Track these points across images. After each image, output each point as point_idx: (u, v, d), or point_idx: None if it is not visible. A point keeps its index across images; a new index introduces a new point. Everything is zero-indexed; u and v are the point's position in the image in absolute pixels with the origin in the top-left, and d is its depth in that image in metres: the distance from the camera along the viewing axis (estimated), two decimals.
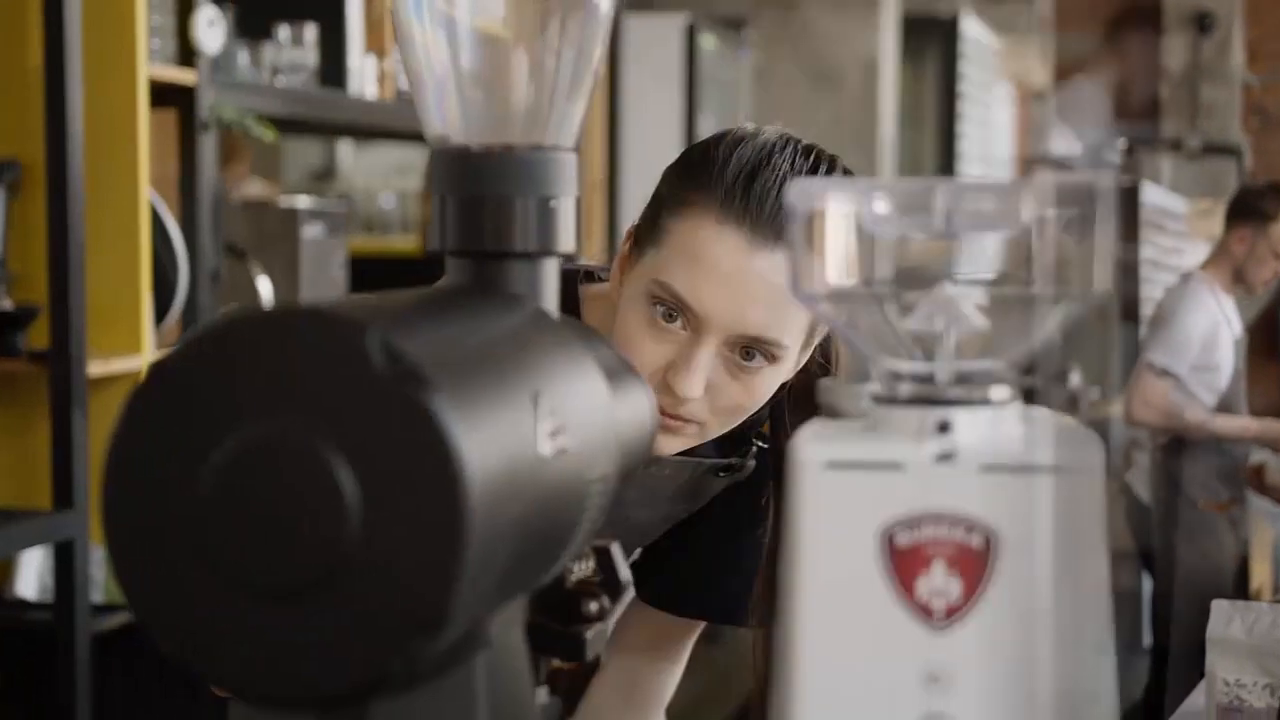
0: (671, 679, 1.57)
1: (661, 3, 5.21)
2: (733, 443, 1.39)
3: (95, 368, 2.49)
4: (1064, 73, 10.07)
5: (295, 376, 0.62)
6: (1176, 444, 4.39)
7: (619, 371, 0.88)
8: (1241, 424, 4.45)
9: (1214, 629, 1.85)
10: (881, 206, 0.71)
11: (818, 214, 0.71)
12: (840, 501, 0.70)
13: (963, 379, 0.72)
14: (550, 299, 0.83)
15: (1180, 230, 7.55)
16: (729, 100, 5.22)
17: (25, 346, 2.46)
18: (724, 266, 1.22)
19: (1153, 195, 7.14)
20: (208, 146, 2.75)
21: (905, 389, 0.72)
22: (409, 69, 0.85)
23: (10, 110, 2.52)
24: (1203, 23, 9.34)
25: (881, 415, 0.72)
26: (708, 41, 4.94)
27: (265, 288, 3.00)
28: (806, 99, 5.58)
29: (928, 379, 0.72)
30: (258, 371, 0.62)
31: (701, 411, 1.27)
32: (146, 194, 2.58)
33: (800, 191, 0.71)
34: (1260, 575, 4.68)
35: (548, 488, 0.70)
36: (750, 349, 1.24)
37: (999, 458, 0.68)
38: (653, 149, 4.45)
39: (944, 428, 0.70)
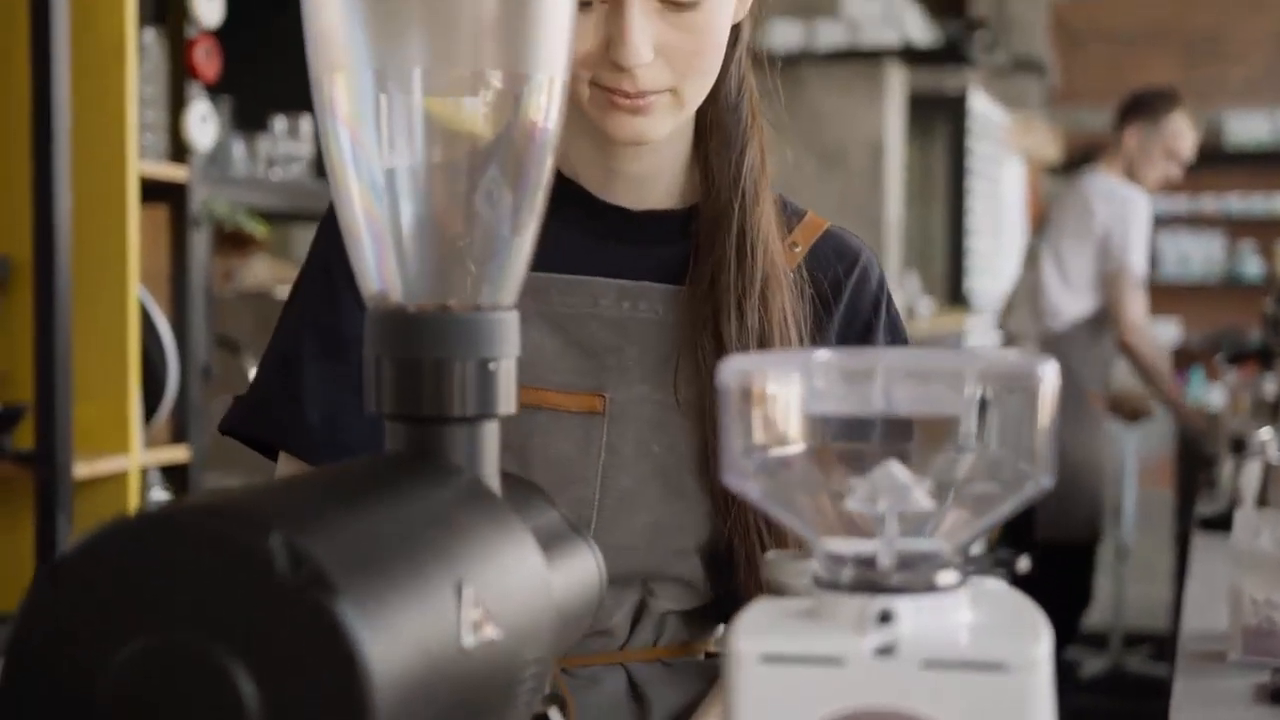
0: None
1: None
2: None
3: (82, 469, 2.47)
4: (1074, 146, 10.13)
5: (194, 580, 0.59)
6: (1075, 332, 4.45)
7: (561, 535, 0.85)
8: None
9: (1238, 540, 1.68)
10: (819, 388, 0.68)
11: (752, 392, 0.68)
12: (777, 696, 0.67)
13: (906, 562, 0.69)
14: (490, 464, 0.80)
15: (1001, 140, 7.70)
16: None
17: (10, 448, 2.43)
18: None
19: (978, 104, 7.19)
20: (200, 242, 2.74)
21: (847, 573, 0.69)
22: (344, 224, 0.82)
23: None
24: None
25: (823, 600, 0.69)
26: None
27: None
28: (814, 179, 5.57)
29: (870, 561, 0.69)
30: (156, 575, 0.60)
31: (663, 76, 1.17)
32: (136, 291, 2.57)
33: (732, 371, 0.68)
34: None
35: (472, 681, 0.67)
36: None
37: (942, 652, 0.65)
38: None
39: (885, 618, 0.67)
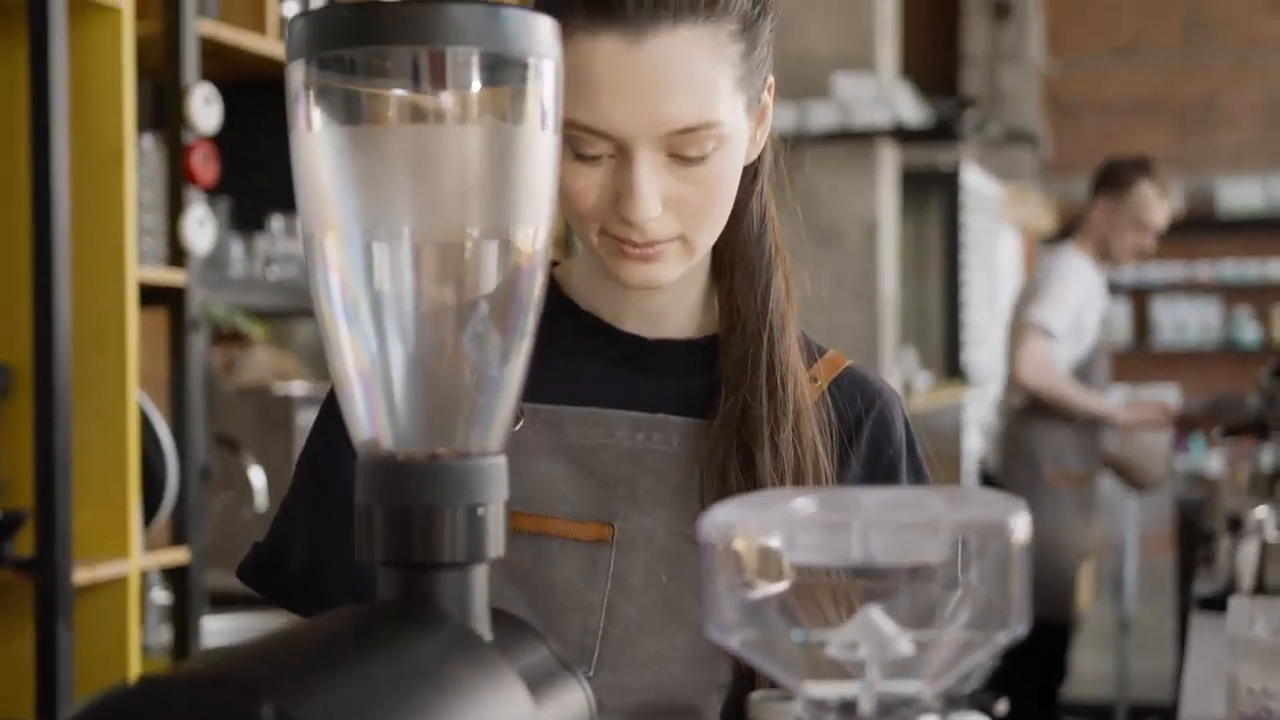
0: None
1: None
2: None
3: (82, 574, 2.48)
4: (1068, 216, 10.20)
5: None
6: (1030, 410, 4.40)
7: (551, 674, 0.87)
8: (1113, 405, 4.47)
9: (1234, 628, 1.68)
10: (799, 538, 0.70)
11: (734, 543, 0.70)
12: None
13: (887, 706, 0.70)
14: (479, 606, 0.82)
15: (995, 212, 7.73)
16: None
17: (10, 555, 2.44)
18: (611, 75, 1.11)
19: (971, 178, 7.25)
20: (198, 345, 2.76)
21: (830, 718, 0.70)
22: (334, 372, 0.84)
23: None
24: (1001, 9, 9.49)
25: None
26: None
27: (259, 479, 3.00)
28: (808, 259, 5.60)
29: (851, 706, 0.71)
30: None
31: (672, 226, 1.16)
32: (135, 396, 2.59)
33: (714, 523, 0.70)
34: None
35: None
36: (686, 141, 1.13)
37: None
38: None
39: None
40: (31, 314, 2.44)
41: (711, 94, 1.13)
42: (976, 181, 7.75)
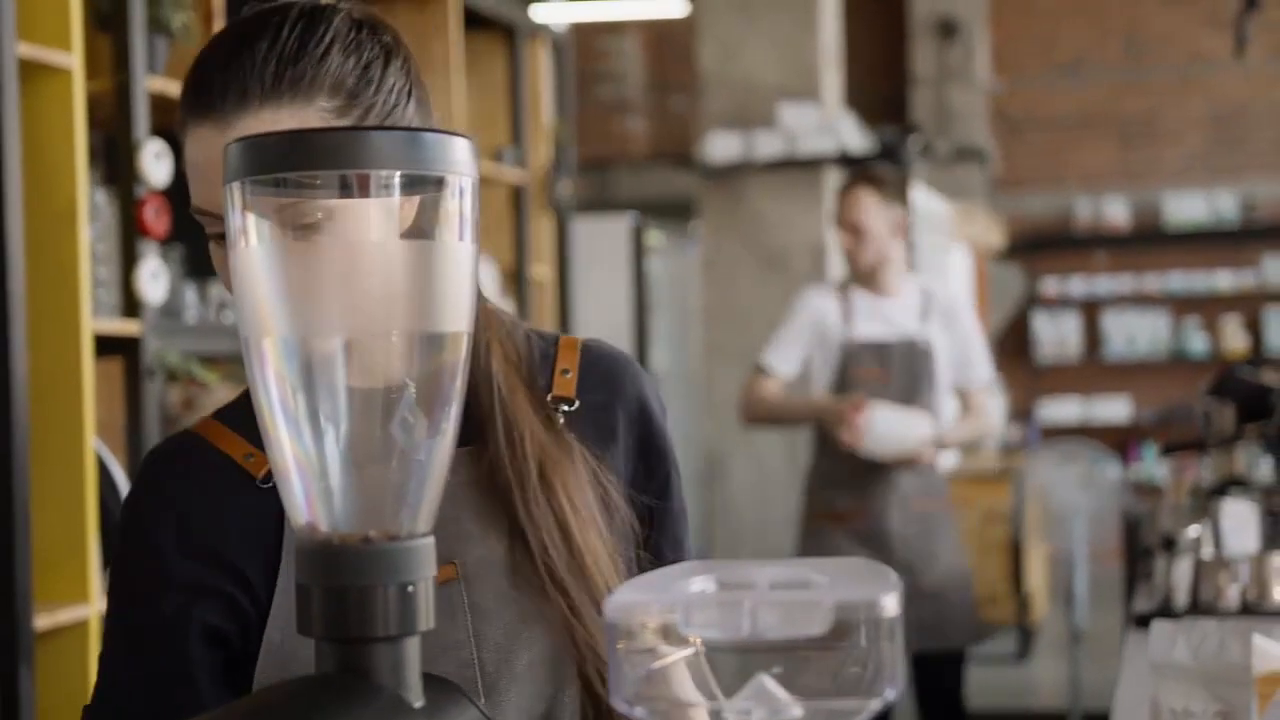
0: None
1: (610, 202, 5.35)
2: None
3: (42, 620, 2.53)
4: (1018, 231, 10.33)
5: None
6: (816, 457, 4.28)
7: None
8: (803, 400, 4.29)
9: (1156, 651, 1.72)
10: (694, 616, 0.78)
11: (634, 623, 0.78)
12: None
13: None
14: (412, 675, 0.89)
15: (945, 230, 7.79)
16: (678, 290, 5.33)
17: None
18: (200, 160, 1.20)
19: (920, 198, 7.37)
20: (153, 393, 2.82)
21: None
22: (274, 463, 0.91)
23: None
24: (947, 29, 9.61)
25: None
26: (654, 238, 5.06)
27: None
28: (755, 285, 5.70)
29: None
30: None
31: None
32: (92, 444, 2.64)
33: (616, 605, 0.78)
34: None
35: None
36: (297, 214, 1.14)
37: None
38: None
39: None
40: None
41: None
42: (925, 201, 7.86)
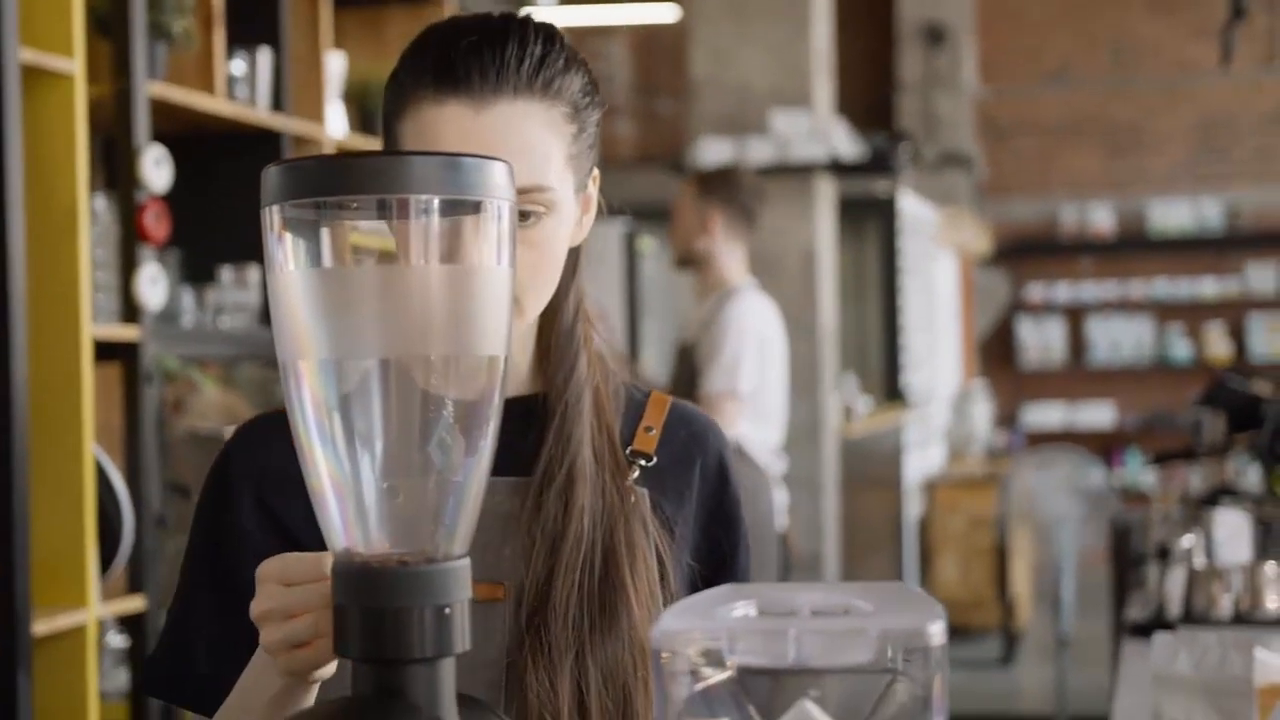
0: None
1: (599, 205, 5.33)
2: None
3: (41, 625, 2.53)
4: (1004, 236, 10.36)
5: None
6: None
7: None
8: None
9: (1158, 663, 1.73)
10: (738, 644, 0.78)
11: (679, 651, 0.78)
12: None
13: None
14: (447, 697, 0.89)
15: (932, 235, 7.79)
16: (669, 297, 5.33)
17: None
18: (455, 138, 1.19)
19: (907, 204, 7.38)
20: (151, 398, 2.82)
21: None
22: (311, 487, 0.92)
23: None
24: (935, 36, 9.62)
25: None
26: (646, 245, 5.06)
27: None
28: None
29: None
30: None
31: None
32: (91, 449, 2.64)
33: (663, 633, 0.78)
34: None
35: None
36: (519, 201, 1.14)
37: None
38: None
39: None
40: None
41: (545, 161, 1.22)
42: (913, 207, 7.88)
